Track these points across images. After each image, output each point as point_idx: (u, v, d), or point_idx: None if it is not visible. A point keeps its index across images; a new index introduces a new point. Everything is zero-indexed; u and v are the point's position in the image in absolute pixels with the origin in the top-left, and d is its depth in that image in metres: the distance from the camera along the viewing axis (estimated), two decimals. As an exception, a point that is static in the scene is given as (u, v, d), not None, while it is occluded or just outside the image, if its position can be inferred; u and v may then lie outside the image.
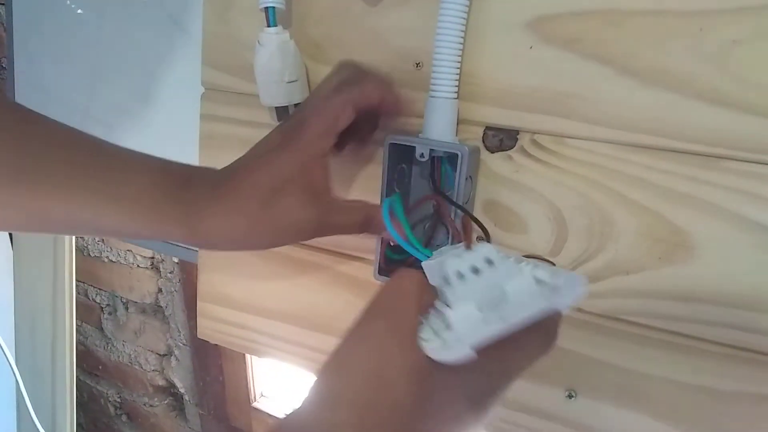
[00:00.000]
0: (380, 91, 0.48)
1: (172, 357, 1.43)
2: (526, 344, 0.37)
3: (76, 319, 1.35)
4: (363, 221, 0.49)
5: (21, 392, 1.24)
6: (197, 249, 0.48)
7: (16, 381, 1.24)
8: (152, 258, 1.37)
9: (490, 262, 0.36)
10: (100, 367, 1.65)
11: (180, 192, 0.47)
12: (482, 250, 0.37)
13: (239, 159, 0.48)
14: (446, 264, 0.37)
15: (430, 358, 0.34)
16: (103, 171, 0.46)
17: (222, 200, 0.46)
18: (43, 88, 1.05)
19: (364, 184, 0.57)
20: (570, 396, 0.52)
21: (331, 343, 0.62)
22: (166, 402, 1.52)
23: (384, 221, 0.45)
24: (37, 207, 0.45)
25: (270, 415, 1.28)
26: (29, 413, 1.25)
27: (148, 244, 1.00)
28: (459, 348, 0.33)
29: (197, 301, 0.69)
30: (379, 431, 0.35)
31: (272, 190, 0.46)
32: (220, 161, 0.48)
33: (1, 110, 0.45)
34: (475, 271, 0.36)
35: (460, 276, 0.36)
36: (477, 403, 0.37)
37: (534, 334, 0.37)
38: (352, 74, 0.49)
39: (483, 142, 0.51)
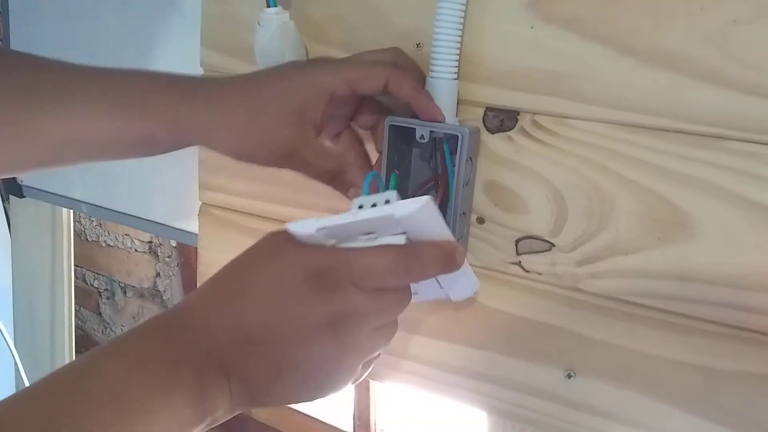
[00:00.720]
0: (414, 89, 0.47)
1: (171, 341, 1.42)
2: (371, 253, 0.41)
3: (74, 303, 1.35)
4: (334, 172, 0.50)
5: (20, 376, 1.25)
6: (177, 146, 0.50)
7: (16, 365, 1.25)
8: (150, 242, 1.37)
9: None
10: (99, 352, 1.65)
11: (169, 82, 0.49)
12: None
13: (250, 72, 0.50)
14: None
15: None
16: (92, 82, 0.48)
17: (213, 91, 0.48)
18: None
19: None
20: (569, 376, 0.52)
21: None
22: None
23: (363, 187, 0.45)
24: (31, 130, 0.47)
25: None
26: (29, 397, 1.25)
27: (148, 227, 1.00)
28: (307, 224, 0.40)
29: (197, 283, 0.69)
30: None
31: (260, 104, 0.47)
32: (220, 142, 0.48)
33: None
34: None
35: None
36: (321, 291, 0.40)
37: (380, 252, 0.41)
38: (402, 59, 0.50)
39: (483, 122, 0.51)
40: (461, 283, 0.49)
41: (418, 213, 0.39)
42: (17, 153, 0.48)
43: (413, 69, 0.51)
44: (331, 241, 0.42)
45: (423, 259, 0.41)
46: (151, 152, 0.51)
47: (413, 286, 0.44)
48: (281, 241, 0.42)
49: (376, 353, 0.44)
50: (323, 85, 0.47)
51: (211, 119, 0.48)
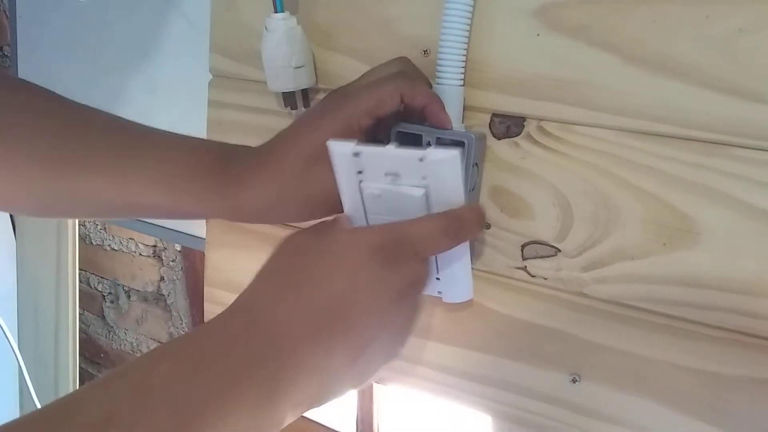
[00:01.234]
0: (428, 96, 0.48)
1: (174, 345, 1.43)
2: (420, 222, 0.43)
3: (78, 307, 1.36)
4: None
5: (24, 379, 1.25)
6: (236, 221, 0.51)
7: (20, 368, 1.25)
8: (154, 246, 1.37)
9: None
10: (102, 356, 1.65)
11: (220, 165, 0.49)
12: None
13: (280, 132, 0.50)
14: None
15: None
16: (145, 149, 0.48)
17: (261, 168, 0.48)
18: (45, 76, 1.05)
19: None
20: (574, 380, 0.53)
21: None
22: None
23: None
24: (85, 189, 0.47)
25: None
26: (32, 400, 1.26)
27: (153, 230, 1.00)
28: (347, 144, 0.44)
29: (204, 286, 0.70)
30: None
31: (308, 158, 0.47)
32: (229, 147, 0.49)
33: (43, 99, 0.48)
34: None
35: None
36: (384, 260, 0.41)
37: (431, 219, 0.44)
38: (408, 68, 0.50)
39: (490, 128, 0.51)
40: (459, 283, 0.50)
41: (448, 162, 0.43)
42: (67, 204, 0.49)
43: (421, 77, 0.51)
44: (358, 175, 0.45)
45: (465, 221, 0.44)
46: (197, 219, 0.53)
47: None
48: (332, 226, 0.44)
49: None
50: (350, 125, 0.47)
51: (265, 204, 0.48)
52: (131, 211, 0.50)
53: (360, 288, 0.40)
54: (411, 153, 0.43)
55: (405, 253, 0.42)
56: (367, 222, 0.47)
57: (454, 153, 0.42)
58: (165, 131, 0.50)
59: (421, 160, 0.43)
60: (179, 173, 0.48)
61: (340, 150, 0.44)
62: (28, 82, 0.49)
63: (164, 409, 0.33)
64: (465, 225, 0.44)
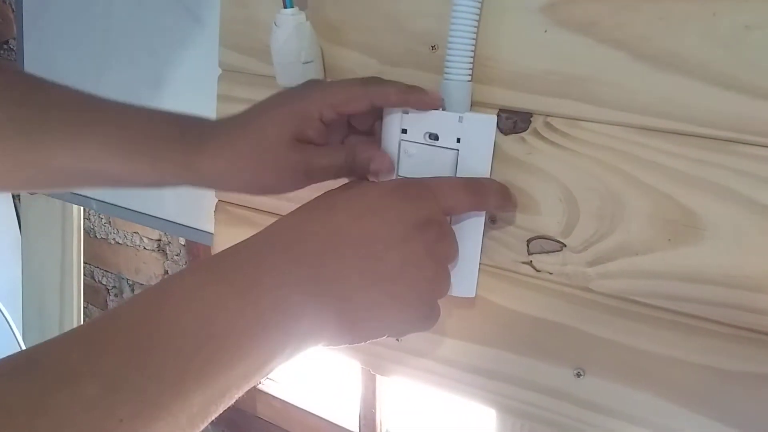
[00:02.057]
0: (401, 92, 0.49)
1: (178, 339, 1.43)
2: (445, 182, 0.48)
3: (83, 300, 1.36)
4: (350, 162, 0.51)
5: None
6: (193, 187, 0.52)
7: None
8: (159, 240, 1.38)
9: None
10: (106, 349, 1.66)
11: (177, 130, 0.51)
12: None
13: (244, 111, 0.52)
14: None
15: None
16: (101, 116, 0.50)
17: (219, 132, 0.50)
18: (51, 71, 1.06)
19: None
20: (578, 374, 0.53)
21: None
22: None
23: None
24: (44, 157, 0.48)
25: (275, 398, 1.29)
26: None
27: (158, 224, 1.01)
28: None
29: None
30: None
31: (267, 131, 0.49)
32: (239, 140, 0.49)
33: (6, 73, 0.50)
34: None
35: None
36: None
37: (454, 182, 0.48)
38: (377, 78, 0.52)
39: (497, 124, 0.52)
40: (466, 276, 0.52)
41: (484, 122, 0.49)
42: (29, 176, 0.50)
43: (393, 83, 0.52)
44: (402, 134, 0.51)
45: (486, 185, 0.49)
46: (160, 188, 0.53)
47: None
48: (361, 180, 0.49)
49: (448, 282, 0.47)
50: (311, 111, 0.49)
51: (220, 168, 0.50)
52: (87, 178, 0.51)
53: (376, 213, 0.43)
54: (452, 114, 0.49)
55: (424, 194, 0.45)
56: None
57: (490, 116, 0.50)
58: (124, 102, 0.52)
59: (460, 119, 0.49)
60: (134, 138, 0.49)
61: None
62: None
63: (191, 314, 0.34)
64: (485, 188, 0.49)
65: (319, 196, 0.46)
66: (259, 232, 0.42)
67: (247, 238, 0.41)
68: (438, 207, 0.45)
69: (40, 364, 0.30)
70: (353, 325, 0.42)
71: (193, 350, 0.33)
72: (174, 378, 0.32)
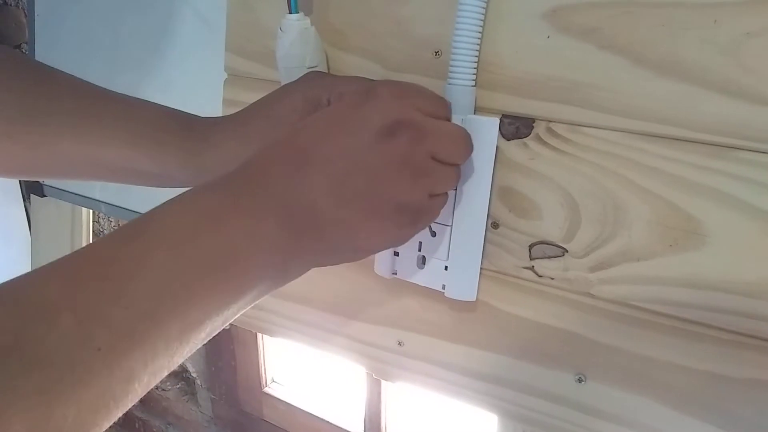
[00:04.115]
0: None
1: (185, 342, 1.44)
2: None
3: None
4: None
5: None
6: (195, 183, 0.52)
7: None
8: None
9: None
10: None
11: (183, 124, 0.51)
12: None
13: (250, 104, 0.52)
14: None
15: None
16: (109, 107, 0.50)
17: (225, 126, 0.51)
18: (62, 74, 1.06)
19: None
20: (579, 380, 0.53)
21: (348, 326, 0.64)
22: (177, 386, 1.54)
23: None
24: (49, 142, 0.48)
25: (281, 401, 1.30)
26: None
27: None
28: None
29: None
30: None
31: (274, 120, 0.50)
32: (243, 144, 0.50)
33: (11, 60, 0.50)
34: None
35: None
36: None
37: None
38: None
39: (499, 129, 0.52)
40: (466, 278, 0.53)
41: (487, 125, 0.50)
42: (32, 161, 0.50)
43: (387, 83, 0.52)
44: None
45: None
46: (165, 185, 0.53)
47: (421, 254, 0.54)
48: None
49: (432, 208, 0.45)
50: (320, 96, 0.49)
51: (225, 159, 0.50)
52: (90, 167, 0.51)
53: (343, 123, 0.41)
54: (455, 116, 0.49)
55: (394, 92, 0.42)
56: None
57: (493, 119, 0.50)
58: (131, 96, 0.52)
59: (462, 122, 0.49)
60: (140, 131, 0.50)
61: None
62: None
63: (164, 244, 0.34)
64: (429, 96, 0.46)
65: (301, 120, 0.44)
66: (238, 166, 0.41)
67: (226, 173, 0.40)
68: (409, 103, 0.42)
69: (17, 298, 0.30)
70: (335, 248, 0.41)
71: (166, 280, 0.33)
72: (149, 307, 0.32)
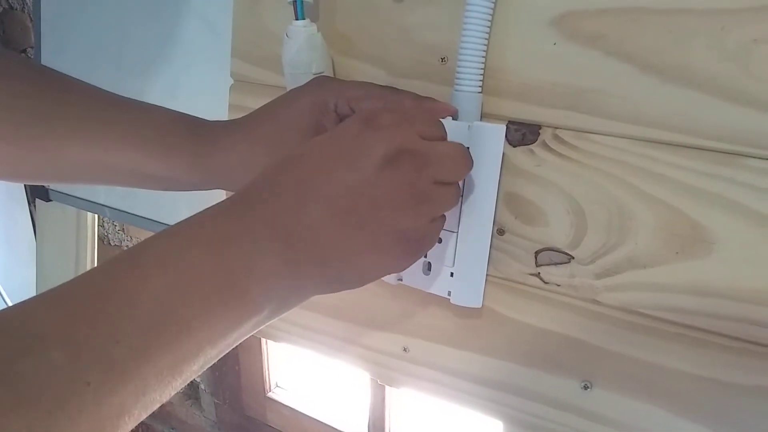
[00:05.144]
0: (415, 99, 0.50)
1: (189, 346, 1.44)
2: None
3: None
4: None
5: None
6: (202, 187, 0.52)
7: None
8: (171, 248, 1.39)
9: None
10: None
11: (191, 127, 0.51)
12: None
13: (258, 108, 0.53)
14: None
15: None
16: (117, 111, 0.50)
17: (233, 129, 0.51)
18: (68, 79, 1.07)
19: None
20: (586, 387, 0.53)
21: (354, 331, 0.64)
22: (181, 391, 1.54)
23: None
24: (57, 145, 0.49)
25: (285, 406, 1.29)
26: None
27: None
28: None
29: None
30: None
31: (282, 124, 0.50)
32: (249, 150, 0.50)
33: (21, 65, 0.50)
34: None
35: None
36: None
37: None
38: (391, 87, 0.52)
39: (506, 136, 0.52)
40: (472, 284, 0.53)
41: (493, 131, 0.50)
42: (41, 165, 0.50)
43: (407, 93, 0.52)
44: None
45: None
46: (171, 188, 0.53)
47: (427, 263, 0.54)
48: None
49: (433, 229, 0.44)
50: (328, 101, 0.50)
51: (232, 162, 0.50)
52: (100, 173, 0.51)
53: (344, 156, 0.40)
54: (461, 123, 0.50)
55: (402, 122, 0.41)
56: None
57: (499, 125, 0.50)
58: (139, 101, 0.52)
59: (469, 128, 0.50)
60: (148, 134, 0.50)
61: None
62: (2, 48, 0.51)
63: (160, 272, 0.34)
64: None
65: (302, 143, 0.42)
66: (237, 192, 0.40)
67: (225, 199, 0.39)
68: (410, 130, 0.41)
69: (7, 329, 0.29)
70: (337, 278, 0.41)
71: (161, 314, 0.32)
72: (140, 342, 0.31)
